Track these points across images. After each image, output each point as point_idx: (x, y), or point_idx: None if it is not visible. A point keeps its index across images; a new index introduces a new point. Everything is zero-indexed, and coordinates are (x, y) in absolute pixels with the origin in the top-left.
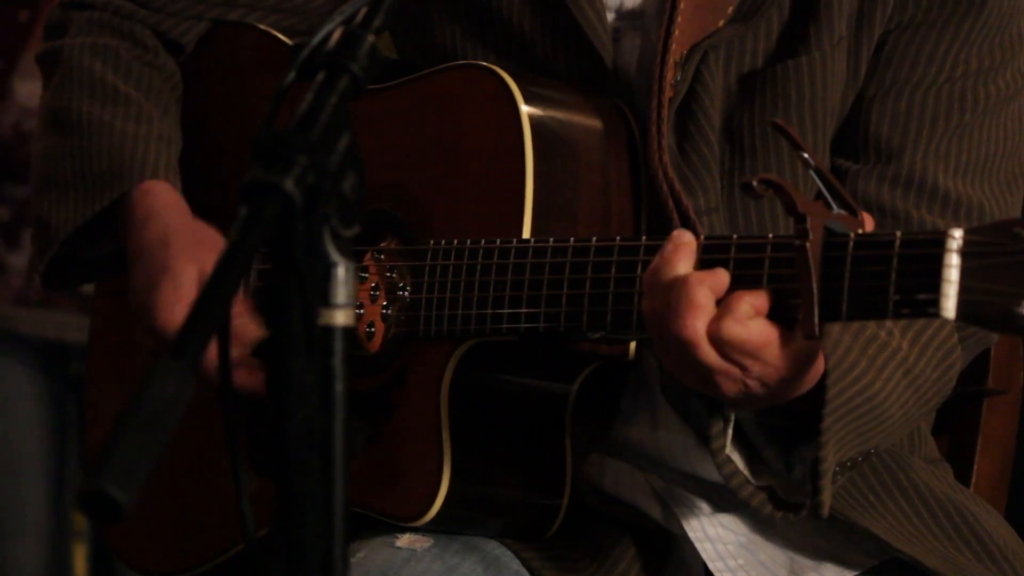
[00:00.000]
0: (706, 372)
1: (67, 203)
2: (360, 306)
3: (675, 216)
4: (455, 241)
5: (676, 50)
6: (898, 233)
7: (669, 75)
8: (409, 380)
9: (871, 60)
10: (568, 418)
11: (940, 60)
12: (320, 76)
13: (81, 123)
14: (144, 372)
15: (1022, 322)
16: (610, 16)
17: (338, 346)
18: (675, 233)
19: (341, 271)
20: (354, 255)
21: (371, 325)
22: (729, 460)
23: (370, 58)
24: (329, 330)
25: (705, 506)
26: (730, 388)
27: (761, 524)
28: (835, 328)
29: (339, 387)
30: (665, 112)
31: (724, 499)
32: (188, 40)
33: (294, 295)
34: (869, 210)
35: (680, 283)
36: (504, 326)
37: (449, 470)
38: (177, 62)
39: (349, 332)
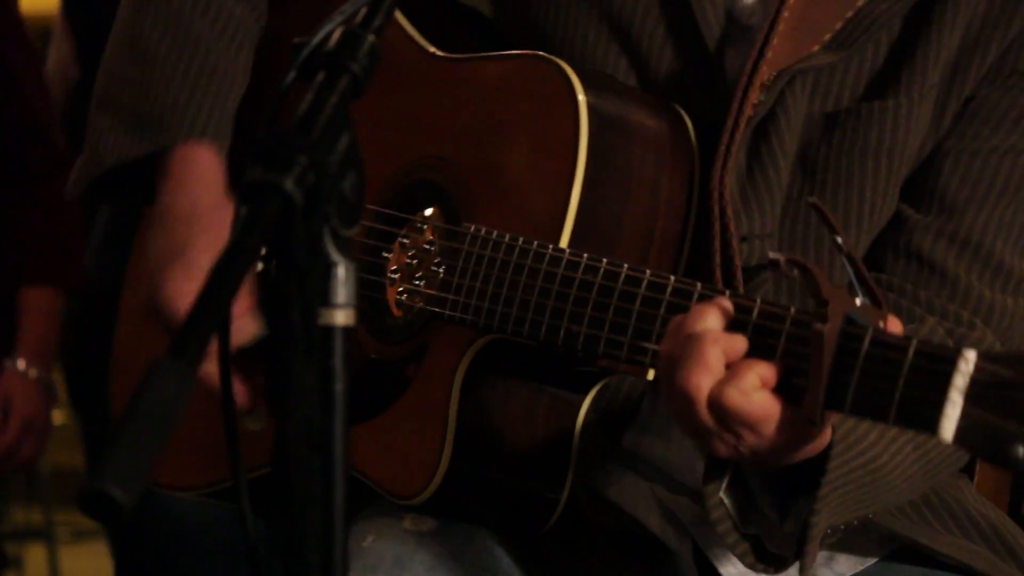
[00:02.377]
0: (700, 430)
1: (116, 134)
2: (396, 272)
3: (718, 239)
4: (494, 232)
5: (765, 71)
6: (914, 341)
7: (753, 95)
8: (428, 358)
9: (957, 113)
10: (578, 426)
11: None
12: (320, 76)
13: (147, 55)
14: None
15: (1016, 464)
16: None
17: (338, 346)
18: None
19: (341, 271)
20: (397, 220)
21: (401, 294)
22: (720, 504)
23: (370, 58)
24: (329, 330)
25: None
26: (721, 450)
27: None
28: None
29: (339, 387)
30: (740, 132)
31: None
32: None
33: (294, 295)
34: (921, 263)
35: (697, 338)
36: (525, 330)
37: (449, 453)
38: None
39: (349, 332)
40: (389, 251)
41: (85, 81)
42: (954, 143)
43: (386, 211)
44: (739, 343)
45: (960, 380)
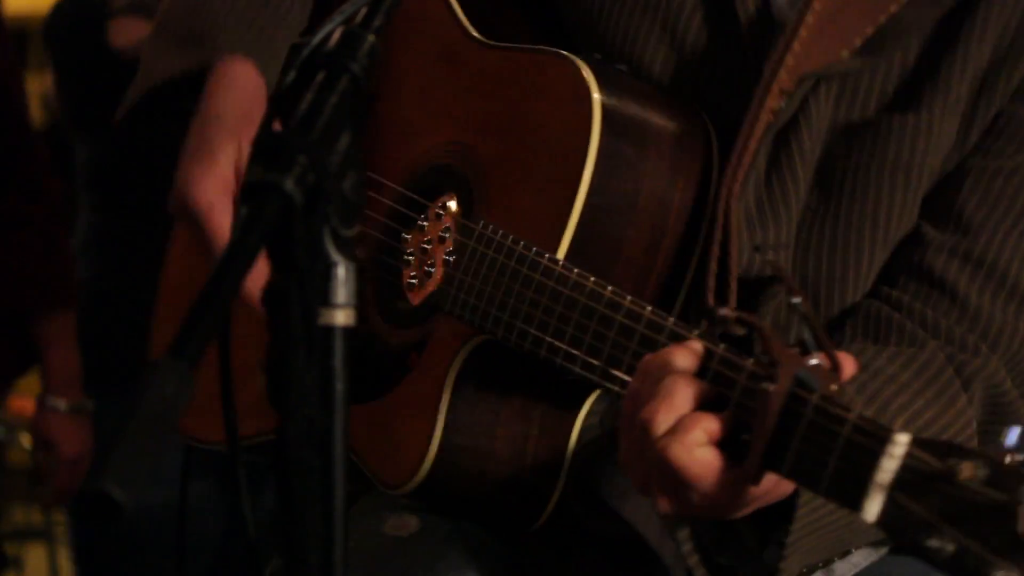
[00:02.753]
0: (649, 475)
1: (167, 54)
2: (411, 254)
3: (717, 245)
4: (499, 232)
5: (785, 78)
6: (853, 415)
7: (771, 101)
8: (427, 349)
9: (984, 130)
10: (574, 428)
11: None
12: (320, 76)
13: None
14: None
15: (927, 553)
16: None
17: (338, 346)
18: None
19: (341, 271)
20: (418, 205)
21: (415, 278)
22: (690, 537)
23: (370, 58)
24: (329, 330)
25: None
26: (663, 505)
27: None
28: None
29: (339, 387)
30: (755, 139)
31: None
32: None
33: (294, 295)
34: (932, 283)
35: (670, 379)
36: (513, 337)
37: (437, 446)
38: None
39: (349, 332)
40: (408, 232)
41: (66, 111)
42: (977, 161)
43: (408, 193)
44: (701, 391)
45: (889, 464)
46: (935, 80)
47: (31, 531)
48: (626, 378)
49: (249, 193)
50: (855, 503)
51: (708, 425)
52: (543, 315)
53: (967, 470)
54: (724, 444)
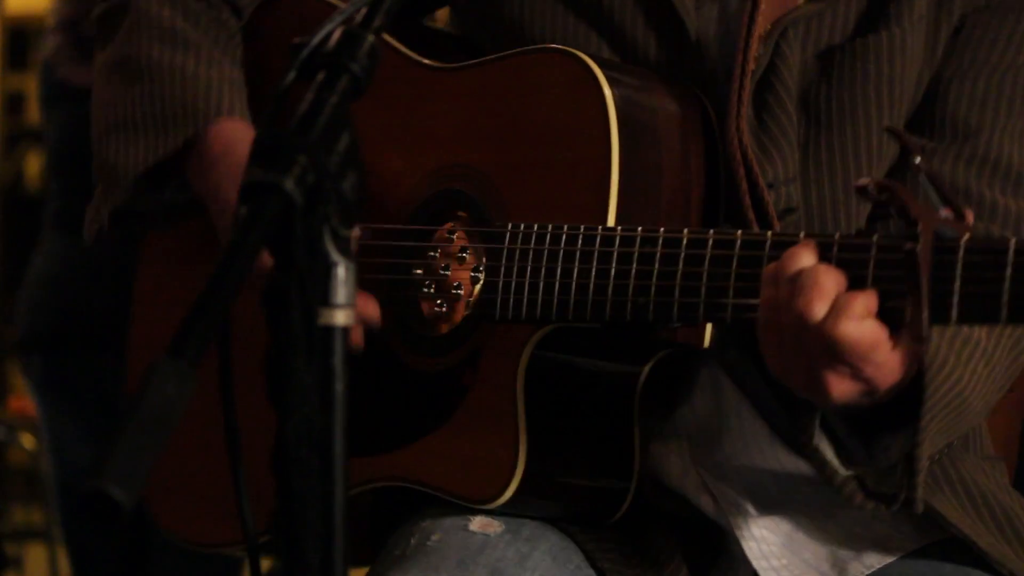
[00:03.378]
0: (816, 367)
1: (138, 145)
2: (430, 286)
3: (744, 182)
4: (535, 226)
5: (761, 23)
6: (1012, 239)
7: (754, 47)
8: (483, 362)
9: (949, 41)
10: (637, 402)
11: (1018, 43)
12: (320, 76)
13: (152, 67)
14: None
15: None
16: None
17: (338, 346)
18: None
19: (341, 271)
20: (424, 234)
21: (440, 305)
22: (818, 449)
23: (370, 58)
24: (329, 330)
25: (750, 507)
26: (838, 389)
27: (801, 522)
28: None
29: (339, 387)
30: (747, 84)
31: (767, 500)
32: (244, 4)
33: (294, 295)
34: None
35: (808, 271)
36: (588, 313)
37: (525, 453)
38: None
39: (348, 332)
40: (420, 267)
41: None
42: (954, 70)
43: (412, 227)
44: (842, 275)
45: None
46: (897, 1)
47: (31, 531)
48: (737, 302)
49: (249, 193)
50: None
51: (865, 300)
52: (618, 280)
53: None
54: (880, 317)
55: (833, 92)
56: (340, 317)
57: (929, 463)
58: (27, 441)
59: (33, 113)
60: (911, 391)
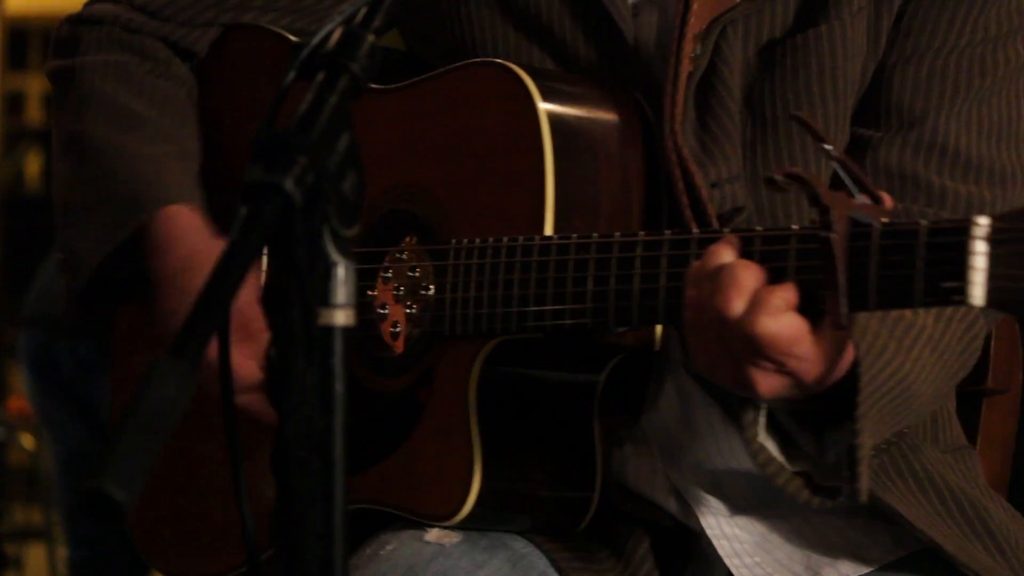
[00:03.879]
0: (741, 364)
1: (91, 232)
2: (384, 307)
3: (680, 183)
4: (477, 240)
5: (695, 24)
6: (923, 222)
7: (688, 47)
8: (436, 380)
9: (891, 30)
10: (596, 411)
11: (959, 27)
12: (320, 76)
13: (97, 149)
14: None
15: None
16: None
17: (338, 346)
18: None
19: (341, 271)
20: (375, 256)
21: (395, 325)
22: (763, 448)
23: (370, 58)
24: (329, 330)
25: (722, 506)
26: (764, 385)
27: (776, 524)
28: (862, 314)
29: (339, 387)
30: (682, 84)
31: (740, 500)
32: (200, 47)
33: (294, 295)
34: (891, 177)
35: (727, 267)
36: (530, 324)
37: (480, 468)
38: (191, 67)
39: (349, 332)
40: (373, 288)
41: None
42: (896, 57)
43: (363, 250)
44: (760, 270)
45: (977, 245)
46: None
47: (31, 531)
48: (669, 303)
49: (249, 193)
50: (958, 297)
51: (783, 294)
52: (556, 288)
53: None
54: (799, 310)
55: (776, 88)
56: (340, 317)
57: (876, 453)
58: (27, 441)
59: (33, 113)
60: (849, 381)
